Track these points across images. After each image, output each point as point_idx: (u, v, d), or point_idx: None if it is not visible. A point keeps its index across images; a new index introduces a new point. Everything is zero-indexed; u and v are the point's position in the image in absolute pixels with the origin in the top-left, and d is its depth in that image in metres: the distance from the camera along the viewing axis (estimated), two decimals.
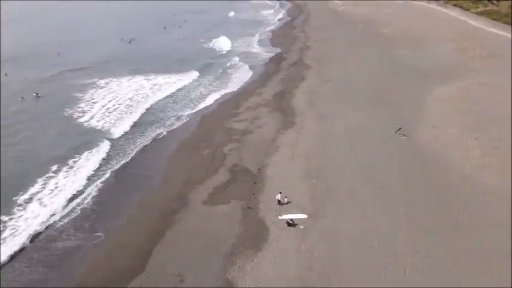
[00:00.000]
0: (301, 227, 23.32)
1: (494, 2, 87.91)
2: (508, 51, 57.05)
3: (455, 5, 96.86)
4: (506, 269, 19.16)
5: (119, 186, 30.08)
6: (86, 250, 23.21)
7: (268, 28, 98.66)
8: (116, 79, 56.21)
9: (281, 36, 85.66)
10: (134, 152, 35.38)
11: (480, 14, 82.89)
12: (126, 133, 39.01)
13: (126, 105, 46.71)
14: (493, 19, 76.44)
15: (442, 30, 74.45)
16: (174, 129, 40.28)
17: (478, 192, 25.23)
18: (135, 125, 40.89)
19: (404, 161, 29.87)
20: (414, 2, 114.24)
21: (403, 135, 33.73)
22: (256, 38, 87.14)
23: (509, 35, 65.82)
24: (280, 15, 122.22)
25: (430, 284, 18.67)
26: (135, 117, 43.02)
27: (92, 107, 45.95)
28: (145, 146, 36.56)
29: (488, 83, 44.41)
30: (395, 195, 25.69)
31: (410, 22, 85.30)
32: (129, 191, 29.30)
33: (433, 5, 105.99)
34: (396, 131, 34.46)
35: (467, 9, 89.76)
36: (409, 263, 20.01)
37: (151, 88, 52.90)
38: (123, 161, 33.69)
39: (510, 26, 69.36)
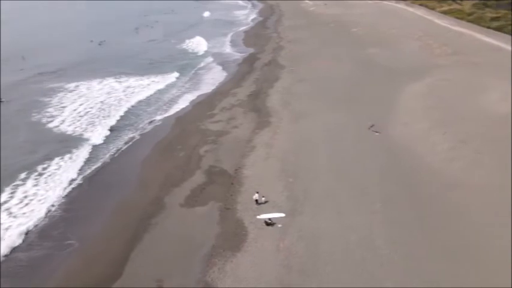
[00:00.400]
0: (279, 225, 23.49)
1: (458, 1, 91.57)
2: (471, 48, 59.68)
3: (421, 5, 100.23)
4: (476, 258, 20.01)
5: (92, 192, 29.36)
6: (58, 259, 22.51)
7: (242, 28, 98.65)
8: (85, 82, 54.71)
9: (254, 37, 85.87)
10: (108, 156, 34.58)
11: (445, 12, 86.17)
12: (98, 137, 38.01)
13: (98, 108, 45.58)
14: (457, 18, 79.61)
15: (409, 29, 76.83)
16: (148, 132, 39.59)
17: (447, 185, 26.19)
18: (108, 129, 39.90)
19: (378, 157, 30.61)
20: (383, 2, 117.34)
21: (376, 132, 34.58)
22: (230, 38, 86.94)
23: (470, 32, 68.74)
24: (253, 16, 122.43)
25: (406, 275, 19.25)
26: (107, 121, 42.00)
27: (61, 112, 44.57)
28: (119, 150, 35.79)
29: (453, 79, 46.25)
30: (370, 191, 26.29)
31: (380, 22, 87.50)
32: (103, 197, 28.62)
33: (401, 5, 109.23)
34: (369, 128, 35.29)
35: (433, 9, 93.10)
36: (385, 256, 20.56)
37: (124, 91, 51.77)
38: (96, 166, 32.88)
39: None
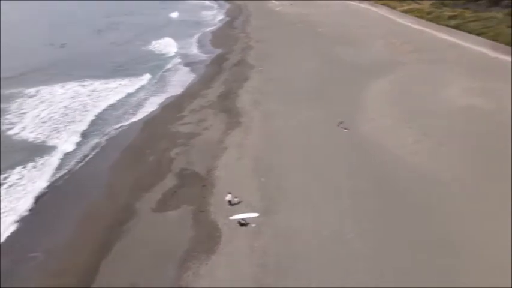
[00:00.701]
0: (253, 225, 23.50)
1: (418, 1, 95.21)
2: (430, 45, 62.25)
3: (383, 4, 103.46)
4: (442, 246, 20.83)
5: (58, 202, 28.19)
6: (22, 273, 21.44)
7: (210, 29, 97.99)
8: (47, 87, 52.38)
9: (223, 37, 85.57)
10: (74, 163, 33.32)
11: (406, 12, 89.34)
12: (64, 144, 36.60)
13: (62, 113, 43.87)
14: (417, 16, 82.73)
15: (373, 28, 79.14)
16: (116, 137, 38.44)
17: (413, 177, 27.12)
18: (73, 135, 38.50)
19: (347, 153, 31.27)
20: (347, 1, 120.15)
21: (345, 129, 35.32)
22: (198, 39, 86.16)
23: (430, 30, 71.66)
24: (221, 16, 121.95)
25: (378, 266, 19.76)
26: (72, 126, 40.52)
27: (22, 118, 42.44)
28: (86, 156, 34.58)
29: (415, 75, 48.07)
30: (340, 187, 26.78)
31: (345, 21, 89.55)
32: (69, 206, 27.55)
33: (364, 5, 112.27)
34: (338, 125, 36.00)
35: (394, 8, 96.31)
36: (357, 249, 21.01)
37: (89, 95, 50.07)
38: (62, 174, 31.60)
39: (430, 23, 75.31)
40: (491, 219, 22.46)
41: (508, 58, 52.47)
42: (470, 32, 64.02)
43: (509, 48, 54.19)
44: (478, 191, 25.08)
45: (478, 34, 61.88)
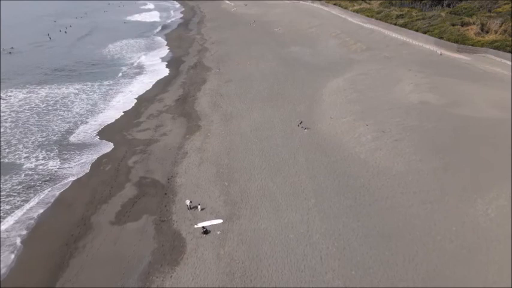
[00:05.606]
0: (218, 232, 22.94)
1: (368, 0, 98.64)
2: (381, 43, 64.58)
3: (335, 4, 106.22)
4: (403, 237, 21.41)
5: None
6: None
7: (164, 31, 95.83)
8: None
9: (178, 39, 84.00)
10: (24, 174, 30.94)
11: (356, 11, 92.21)
12: (19, 156, 33.97)
13: (11, 122, 40.92)
14: (367, 16, 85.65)
15: (327, 27, 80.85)
16: (70, 146, 36.28)
17: (373, 173, 27.75)
18: (27, 146, 35.86)
19: (308, 152, 31.48)
20: (300, 2, 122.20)
21: (305, 128, 35.59)
22: (152, 41, 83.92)
23: (380, 29, 74.48)
24: (174, 18, 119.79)
25: (345, 265, 19.90)
26: (28, 139, 37.83)
27: None
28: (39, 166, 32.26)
29: (369, 73, 49.50)
30: (304, 187, 26.84)
31: (299, 21, 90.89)
32: (19, 224, 25.49)
33: (316, 4, 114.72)
34: (298, 125, 36.22)
35: (346, 8, 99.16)
36: (323, 250, 21.06)
37: (43, 101, 47.36)
38: (13, 188, 29.24)
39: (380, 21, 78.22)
40: (443, 209, 23.40)
41: (453, 54, 55.59)
42: (417, 30, 67.13)
43: (454, 44, 57.39)
44: (433, 183, 26.03)
45: (424, 32, 65.03)
